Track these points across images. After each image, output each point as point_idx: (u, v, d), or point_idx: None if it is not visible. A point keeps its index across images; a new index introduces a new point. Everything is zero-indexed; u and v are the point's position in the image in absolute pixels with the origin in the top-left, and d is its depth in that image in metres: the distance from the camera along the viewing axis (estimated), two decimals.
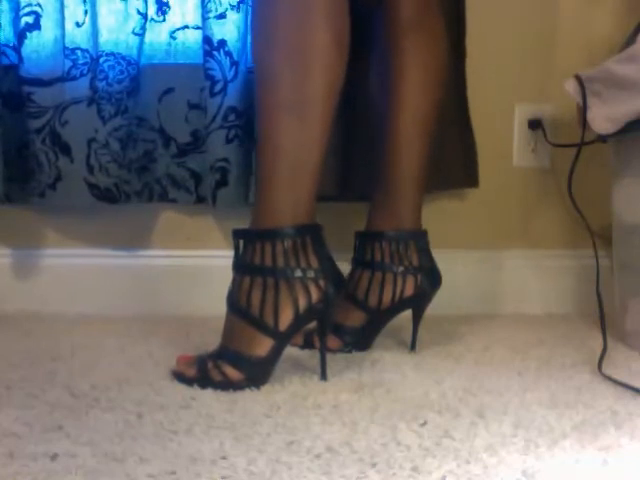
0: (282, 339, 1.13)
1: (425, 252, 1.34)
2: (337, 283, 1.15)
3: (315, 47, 1.13)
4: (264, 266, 1.13)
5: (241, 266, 1.15)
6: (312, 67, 1.13)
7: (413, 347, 1.35)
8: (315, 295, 1.13)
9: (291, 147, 1.14)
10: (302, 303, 1.12)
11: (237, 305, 1.14)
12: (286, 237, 1.12)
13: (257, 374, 1.12)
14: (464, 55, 1.61)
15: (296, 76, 1.13)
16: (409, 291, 1.33)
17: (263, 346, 1.12)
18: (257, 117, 1.18)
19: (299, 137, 1.14)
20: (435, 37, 1.37)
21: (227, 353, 1.13)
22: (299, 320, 1.13)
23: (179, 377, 1.15)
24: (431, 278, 1.34)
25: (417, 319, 1.35)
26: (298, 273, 1.12)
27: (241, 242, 1.16)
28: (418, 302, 1.34)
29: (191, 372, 1.14)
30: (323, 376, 1.16)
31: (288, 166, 1.14)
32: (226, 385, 1.11)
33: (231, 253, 1.63)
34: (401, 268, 1.32)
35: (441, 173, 1.60)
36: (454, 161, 1.63)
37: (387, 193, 1.35)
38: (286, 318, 1.12)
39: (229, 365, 1.12)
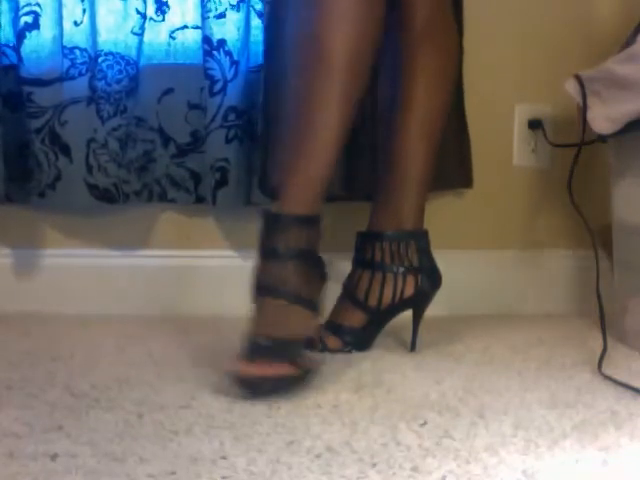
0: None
1: (426, 252, 1.34)
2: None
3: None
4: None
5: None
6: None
7: (413, 347, 1.35)
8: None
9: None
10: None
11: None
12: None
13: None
14: (461, 55, 1.61)
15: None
16: (409, 291, 1.33)
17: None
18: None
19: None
20: (447, 40, 1.38)
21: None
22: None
23: (270, 381, 1.06)
24: (432, 278, 1.34)
25: (417, 319, 1.35)
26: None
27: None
28: (418, 302, 1.34)
29: (285, 369, 1.08)
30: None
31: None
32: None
33: (230, 253, 1.66)
34: (401, 269, 1.32)
35: (436, 174, 1.59)
36: (449, 161, 1.61)
37: (390, 193, 1.35)
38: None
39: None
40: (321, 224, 1.18)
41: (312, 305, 1.16)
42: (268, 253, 1.15)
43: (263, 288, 1.15)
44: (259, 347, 1.09)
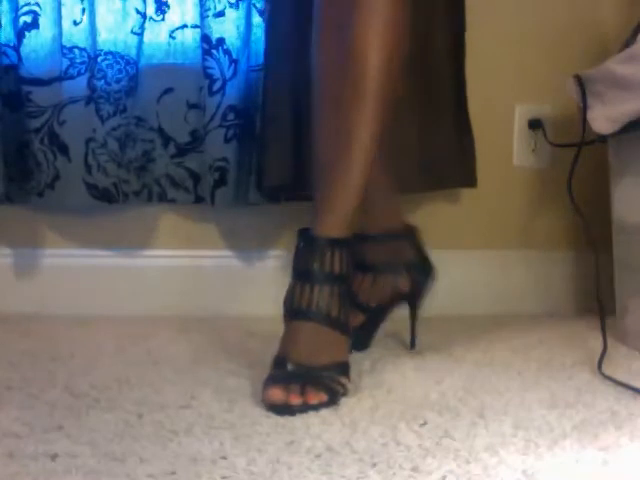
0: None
1: (418, 247, 1.34)
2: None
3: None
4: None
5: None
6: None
7: (413, 345, 1.35)
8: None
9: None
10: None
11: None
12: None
13: None
14: (463, 53, 1.61)
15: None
16: (404, 288, 1.33)
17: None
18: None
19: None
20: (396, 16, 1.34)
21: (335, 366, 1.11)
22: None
23: (301, 408, 1.04)
24: (425, 272, 1.34)
25: (414, 315, 1.35)
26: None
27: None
28: (414, 297, 1.34)
29: (319, 398, 1.06)
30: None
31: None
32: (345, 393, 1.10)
33: (229, 253, 1.66)
34: (396, 266, 1.32)
35: (438, 173, 1.59)
36: (452, 161, 1.61)
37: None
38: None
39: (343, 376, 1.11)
40: (353, 247, 1.18)
41: (344, 328, 1.15)
42: (301, 275, 1.15)
43: (295, 310, 1.14)
44: (291, 374, 1.08)
